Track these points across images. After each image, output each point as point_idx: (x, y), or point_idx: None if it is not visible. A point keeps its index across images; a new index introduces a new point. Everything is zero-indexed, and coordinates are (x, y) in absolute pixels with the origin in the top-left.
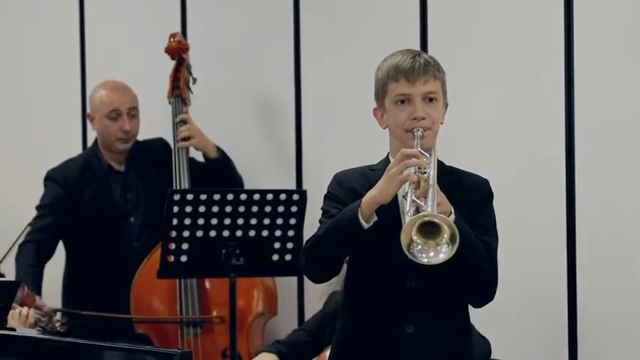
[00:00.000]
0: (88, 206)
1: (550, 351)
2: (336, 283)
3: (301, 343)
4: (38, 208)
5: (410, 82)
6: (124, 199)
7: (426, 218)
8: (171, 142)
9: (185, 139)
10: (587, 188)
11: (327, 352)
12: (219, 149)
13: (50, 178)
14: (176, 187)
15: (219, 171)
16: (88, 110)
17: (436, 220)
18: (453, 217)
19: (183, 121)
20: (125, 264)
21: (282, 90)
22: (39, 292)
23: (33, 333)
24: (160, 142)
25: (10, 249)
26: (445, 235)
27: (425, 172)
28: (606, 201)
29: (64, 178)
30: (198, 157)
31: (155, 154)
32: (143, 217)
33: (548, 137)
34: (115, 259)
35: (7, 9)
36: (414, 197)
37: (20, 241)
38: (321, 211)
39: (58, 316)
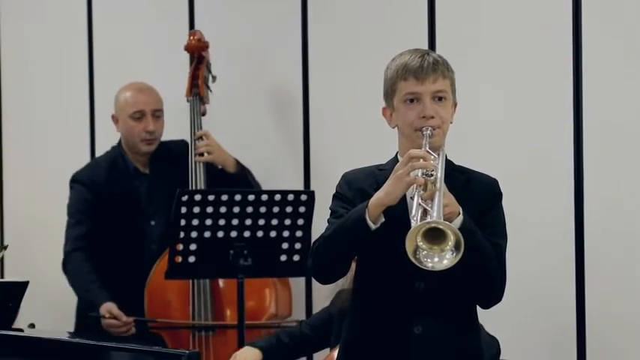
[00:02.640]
0: (113, 208)
1: (558, 350)
2: (342, 282)
3: (304, 337)
4: (71, 213)
5: (419, 80)
6: (148, 203)
7: (431, 225)
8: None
9: (202, 154)
10: (595, 187)
11: (335, 353)
12: (238, 163)
13: (77, 181)
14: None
15: (236, 185)
16: (113, 111)
17: (441, 227)
18: (461, 217)
19: (202, 137)
20: (143, 267)
21: (290, 90)
22: (113, 300)
23: (41, 334)
24: (183, 144)
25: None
26: (450, 243)
27: (432, 175)
28: (615, 199)
29: (92, 180)
30: None
31: (177, 156)
32: (164, 221)
33: (556, 136)
34: (134, 261)
35: (13, 11)
36: (420, 201)
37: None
38: (329, 211)
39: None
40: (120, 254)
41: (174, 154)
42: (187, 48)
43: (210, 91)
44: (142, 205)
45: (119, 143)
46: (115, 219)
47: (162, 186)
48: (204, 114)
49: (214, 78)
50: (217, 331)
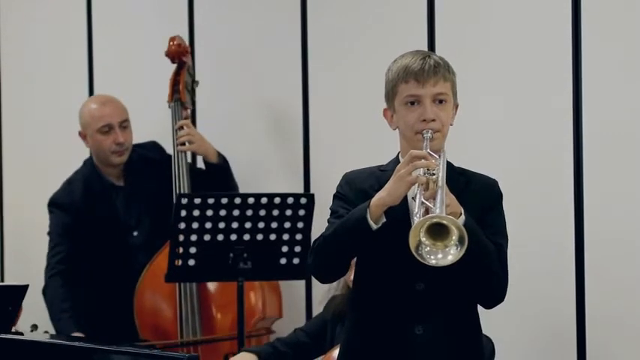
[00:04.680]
0: (94, 227)
1: (558, 351)
2: (335, 288)
3: (300, 344)
4: (51, 235)
5: (420, 83)
6: (128, 215)
7: (434, 220)
8: (169, 146)
9: (184, 143)
10: (595, 187)
11: (334, 353)
12: (219, 155)
13: (55, 205)
14: (177, 193)
15: (216, 177)
16: (79, 128)
17: (444, 222)
18: (463, 217)
19: (182, 127)
20: (133, 277)
21: (289, 93)
22: (79, 329)
23: (41, 337)
24: (153, 146)
25: None
26: (454, 237)
27: (434, 174)
28: (614, 201)
29: (70, 202)
30: (198, 163)
31: (151, 161)
32: (147, 230)
33: (556, 137)
34: (121, 274)
35: (13, 13)
36: (422, 199)
37: None
38: (329, 213)
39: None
40: (107, 270)
41: (147, 159)
42: (167, 53)
43: (194, 95)
44: (121, 218)
45: (90, 160)
46: (97, 236)
47: (139, 195)
48: (186, 119)
49: (197, 82)
50: (206, 333)
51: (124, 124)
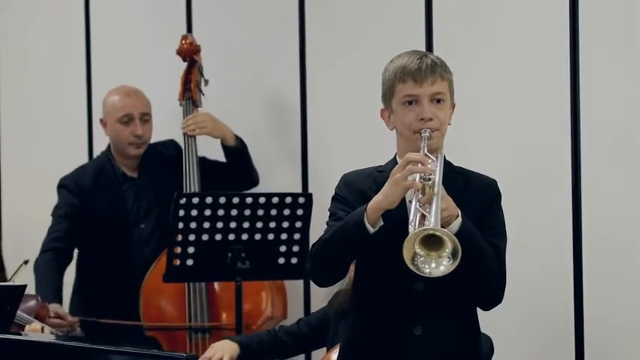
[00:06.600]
0: (100, 214)
1: (557, 352)
2: (340, 283)
3: (301, 335)
4: (53, 215)
5: (417, 83)
6: (136, 207)
7: (428, 231)
8: (182, 143)
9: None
10: (593, 189)
11: (332, 355)
12: (237, 137)
13: (63, 186)
14: (186, 190)
15: (235, 160)
16: (101, 115)
17: (438, 234)
18: (459, 220)
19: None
20: (136, 270)
21: (287, 92)
22: (60, 302)
23: (40, 337)
24: (172, 145)
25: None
26: (447, 250)
27: (430, 179)
28: (613, 201)
29: (78, 186)
30: (210, 154)
31: (167, 158)
32: (154, 223)
33: (554, 137)
34: (126, 265)
35: (11, 12)
36: (418, 205)
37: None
38: (326, 214)
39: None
40: (111, 259)
41: (163, 156)
42: (179, 52)
43: (203, 94)
44: (129, 210)
45: (108, 148)
46: (102, 225)
47: (150, 188)
48: None
49: (207, 82)
50: (213, 333)
51: (145, 118)
